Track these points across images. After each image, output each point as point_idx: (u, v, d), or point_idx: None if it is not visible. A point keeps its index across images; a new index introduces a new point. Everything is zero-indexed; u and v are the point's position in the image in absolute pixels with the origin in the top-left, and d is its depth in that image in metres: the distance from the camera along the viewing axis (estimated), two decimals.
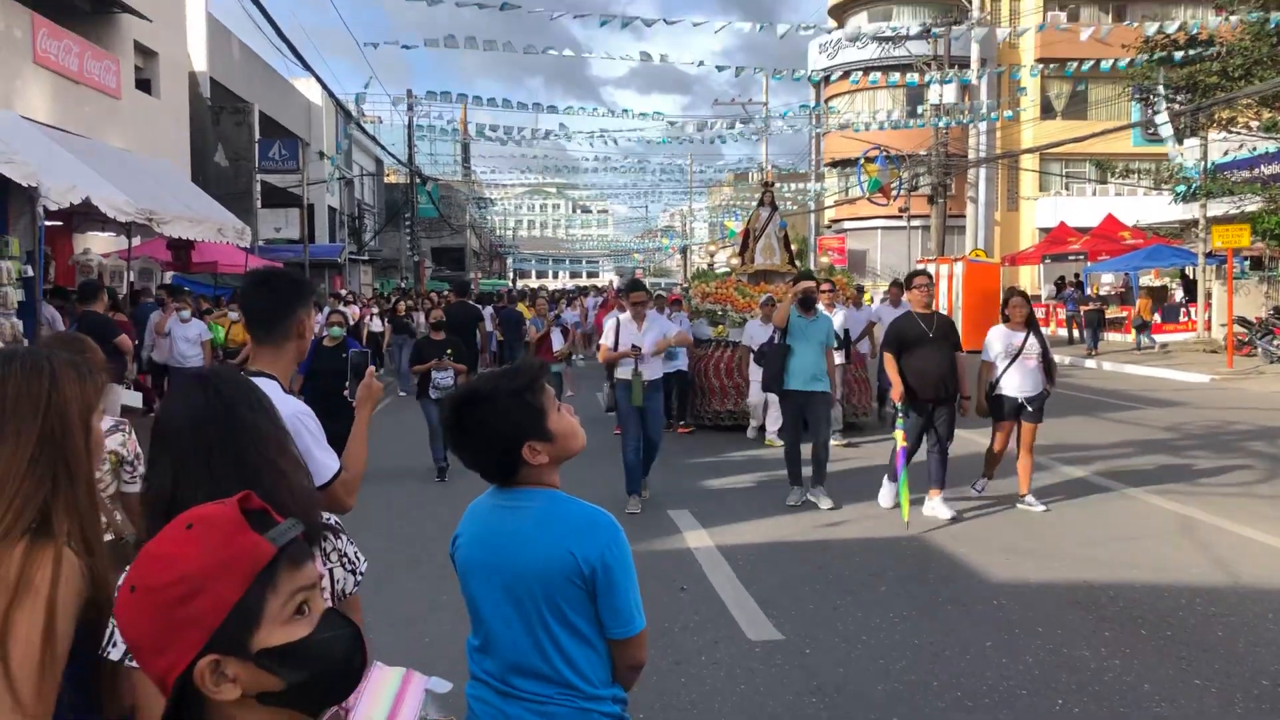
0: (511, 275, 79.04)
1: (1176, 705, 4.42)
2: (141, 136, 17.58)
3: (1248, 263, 25.47)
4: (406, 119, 32.56)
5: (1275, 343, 20.72)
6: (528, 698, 2.24)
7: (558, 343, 13.96)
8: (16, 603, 1.67)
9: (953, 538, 7.24)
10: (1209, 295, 25.11)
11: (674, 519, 7.94)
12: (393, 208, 41.43)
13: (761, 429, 11.89)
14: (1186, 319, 26.77)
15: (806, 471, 8.44)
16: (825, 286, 11.30)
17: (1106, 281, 31.36)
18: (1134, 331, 24.56)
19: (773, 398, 10.26)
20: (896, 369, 7.78)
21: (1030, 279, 37.82)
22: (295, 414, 2.64)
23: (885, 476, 8.28)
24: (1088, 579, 6.23)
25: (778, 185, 47.29)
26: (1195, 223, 24.56)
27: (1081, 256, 30.28)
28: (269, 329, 2.89)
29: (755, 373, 11.11)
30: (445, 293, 24.97)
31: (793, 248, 14.82)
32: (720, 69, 19.58)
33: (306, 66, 16.66)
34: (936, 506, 7.81)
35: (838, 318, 11.28)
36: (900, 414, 7.73)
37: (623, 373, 8.28)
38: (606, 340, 8.57)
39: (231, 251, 17.35)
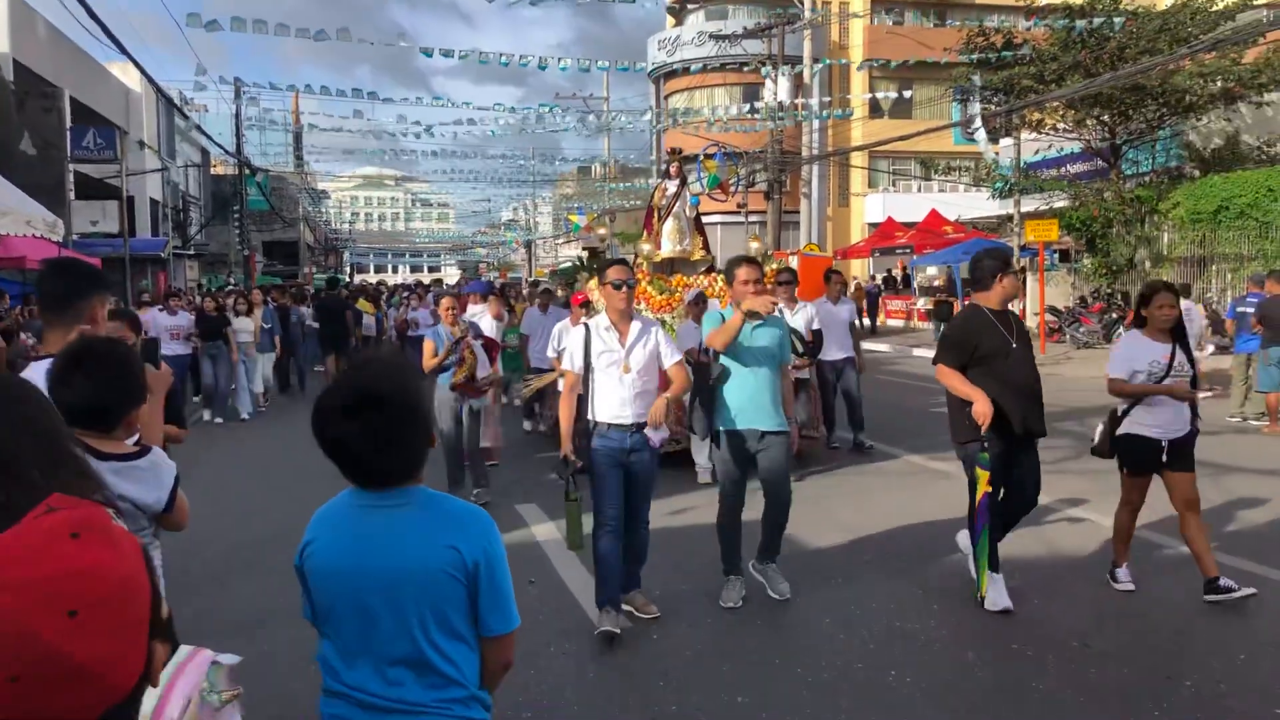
0: (349, 270, 76.86)
1: (997, 670, 4.72)
2: None
3: (1057, 255, 27.25)
4: (234, 108, 31.19)
5: (1082, 330, 22.29)
6: (401, 708, 2.13)
7: (484, 368, 8.42)
8: None
9: (792, 523, 7.48)
10: (1023, 286, 26.76)
11: (521, 513, 7.92)
12: (220, 200, 39.65)
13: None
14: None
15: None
16: (783, 278, 9.32)
17: (931, 274, 32.94)
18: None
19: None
20: (967, 384, 5.41)
21: (861, 272, 39.40)
22: None
23: (960, 538, 6.15)
24: (919, 557, 6.55)
25: (619, 180, 47.70)
26: (1010, 218, 26.12)
27: (908, 250, 31.73)
28: (60, 312, 3.05)
29: None
30: (268, 287, 24.00)
31: (706, 232, 11.75)
32: (562, 70, 19.53)
33: (123, 50, 15.68)
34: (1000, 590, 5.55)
35: (800, 317, 9.29)
36: (984, 447, 5.37)
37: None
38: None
39: (43, 246, 16.21)
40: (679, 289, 10.19)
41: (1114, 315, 22.13)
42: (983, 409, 5.26)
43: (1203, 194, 21.96)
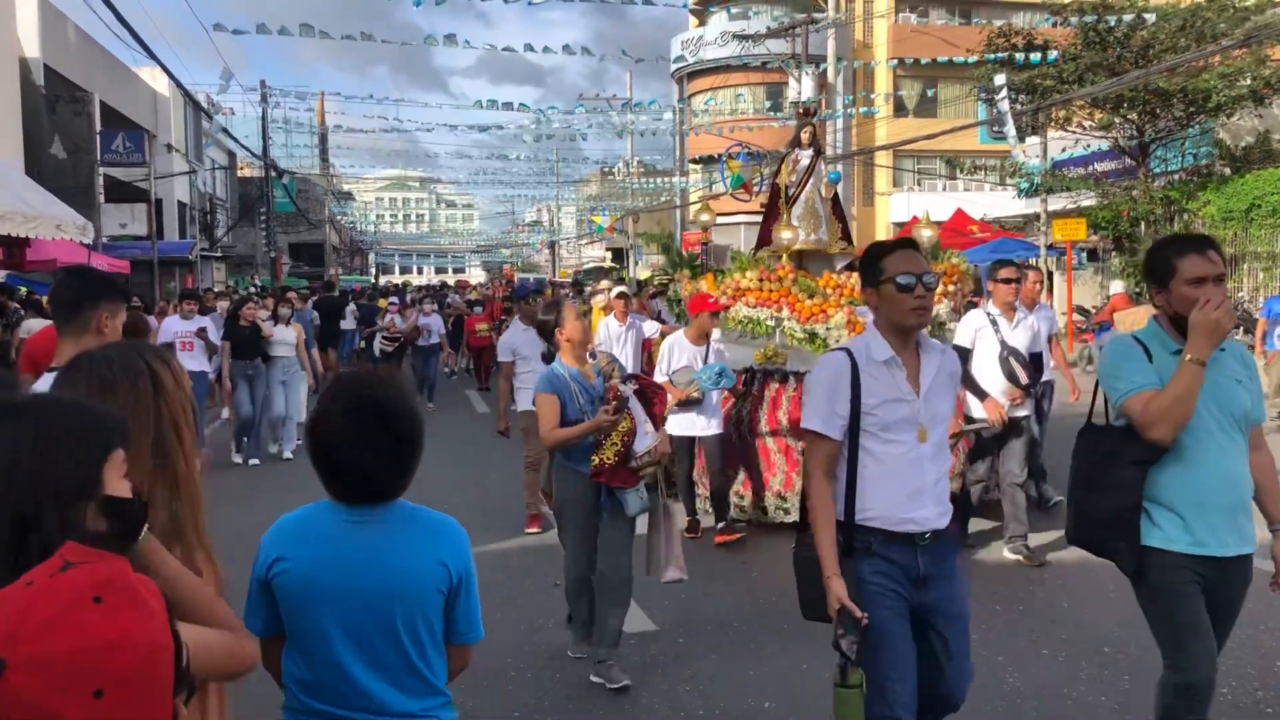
0: (374, 271, 77.27)
1: (1028, 674, 4.66)
2: None
3: (1084, 254, 27.01)
4: (260, 110, 31.44)
5: (1109, 330, 22.07)
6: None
7: (644, 435, 4.68)
8: None
9: None
10: (1050, 285, 26.53)
11: (548, 516, 7.91)
12: (246, 202, 39.96)
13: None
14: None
15: None
16: (1009, 273, 6.62)
17: None
18: None
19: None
20: None
21: None
22: None
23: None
24: None
25: (644, 180, 47.71)
26: (1037, 217, 25.89)
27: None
28: (68, 320, 3.10)
29: None
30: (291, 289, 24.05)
31: (848, 217, 9.09)
32: (573, 53, 19.53)
33: (150, 54, 15.89)
34: None
35: (1021, 331, 6.50)
36: None
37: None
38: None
39: (73, 249, 16.39)
40: (831, 290, 7.65)
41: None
42: None
43: (1233, 192, 21.68)
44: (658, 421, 4.85)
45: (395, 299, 19.69)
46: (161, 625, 1.11)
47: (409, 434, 2.13)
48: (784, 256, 8.21)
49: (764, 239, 8.63)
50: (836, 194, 8.79)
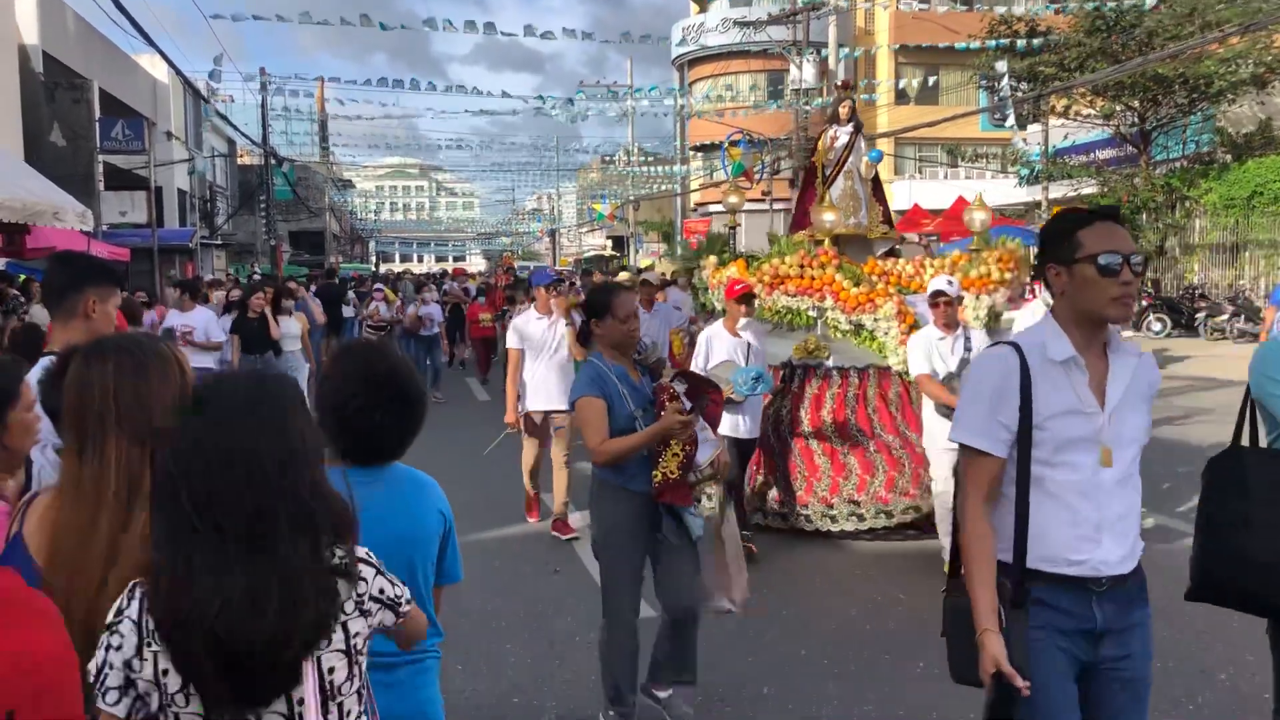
0: (374, 259, 77.22)
1: None
2: None
3: None
4: (260, 98, 31.37)
5: None
6: (411, 659, 2.33)
7: (706, 444, 4.01)
8: None
9: None
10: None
11: (547, 502, 7.92)
12: (247, 190, 39.90)
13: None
14: (1031, 295, 28.21)
15: None
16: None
17: None
18: None
19: None
20: None
21: None
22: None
23: None
24: (947, 546, 6.51)
25: (644, 169, 47.60)
26: (1038, 204, 25.87)
27: (934, 237, 31.51)
28: (57, 305, 3.11)
29: (939, 429, 5.34)
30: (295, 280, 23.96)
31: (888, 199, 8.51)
32: (576, 37, 19.43)
33: (150, 41, 15.81)
34: None
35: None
36: None
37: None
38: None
39: (73, 237, 16.35)
40: (878, 278, 7.19)
41: (1143, 302, 21.94)
42: None
43: (1235, 180, 21.65)
44: (714, 425, 4.09)
45: (380, 286, 19.23)
46: (63, 637, 1.04)
47: (417, 397, 2.38)
48: (825, 241, 7.52)
49: (800, 221, 8.12)
50: (877, 175, 8.21)
